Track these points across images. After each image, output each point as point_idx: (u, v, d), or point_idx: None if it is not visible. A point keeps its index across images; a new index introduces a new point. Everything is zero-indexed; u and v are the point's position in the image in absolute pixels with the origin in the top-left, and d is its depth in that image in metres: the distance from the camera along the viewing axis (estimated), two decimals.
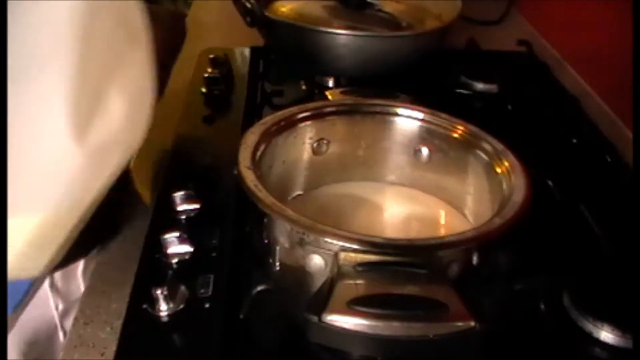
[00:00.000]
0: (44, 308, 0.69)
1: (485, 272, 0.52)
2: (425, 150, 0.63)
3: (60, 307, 0.70)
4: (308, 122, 0.61)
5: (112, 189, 0.37)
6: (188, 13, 0.68)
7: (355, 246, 0.45)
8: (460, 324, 0.43)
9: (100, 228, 0.60)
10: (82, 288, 0.68)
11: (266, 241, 0.53)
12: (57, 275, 0.68)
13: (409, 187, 0.64)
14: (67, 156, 0.33)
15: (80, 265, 0.69)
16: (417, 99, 0.67)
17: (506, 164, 0.55)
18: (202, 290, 0.49)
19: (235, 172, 0.52)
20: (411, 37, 0.83)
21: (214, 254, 0.52)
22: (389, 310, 0.43)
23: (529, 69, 0.94)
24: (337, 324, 0.43)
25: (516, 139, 0.58)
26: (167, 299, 0.46)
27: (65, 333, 0.70)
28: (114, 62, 0.35)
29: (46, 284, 0.68)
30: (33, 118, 0.32)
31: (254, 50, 0.91)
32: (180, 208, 0.56)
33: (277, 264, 0.51)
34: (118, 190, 0.39)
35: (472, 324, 0.43)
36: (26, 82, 0.31)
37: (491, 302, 0.53)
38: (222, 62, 0.82)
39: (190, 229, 0.53)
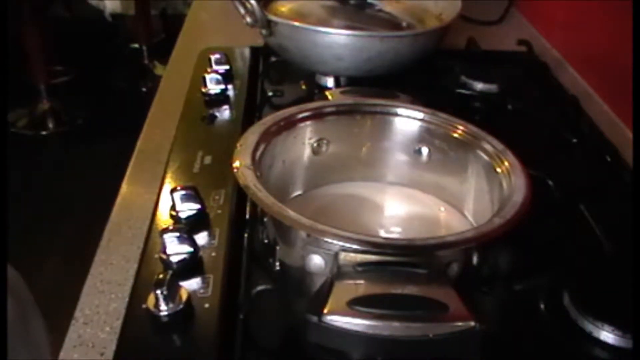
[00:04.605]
0: None
1: (485, 272, 0.52)
2: (425, 150, 0.63)
3: None
4: (308, 122, 0.61)
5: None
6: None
7: (355, 246, 0.45)
8: (460, 324, 0.43)
9: None
10: None
11: (266, 241, 0.53)
12: None
13: (409, 187, 0.64)
14: None
15: None
16: (417, 99, 0.67)
17: (506, 164, 0.55)
18: (202, 290, 0.49)
19: (235, 172, 0.52)
20: (411, 37, 0.83)
21: (213, 254, 0.52)
22: (388, 310, 0.43)
23: (529, 69, 0.94)
24: (337, 324, 0.43)
25: (516, 139, 0.58)
26: (167, 299, 0.46)
27: None
28: None
29: None
30: None
31: (254, 50, 0.91)
32: (180, 208, 0.56)
33: (277, 264, 0.51)
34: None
35: (472, 324, 0.43)
36: None
37: (491, 302, 0.53)
38: (222, 62, 0.82)
39: (190, 229, 0.53)
